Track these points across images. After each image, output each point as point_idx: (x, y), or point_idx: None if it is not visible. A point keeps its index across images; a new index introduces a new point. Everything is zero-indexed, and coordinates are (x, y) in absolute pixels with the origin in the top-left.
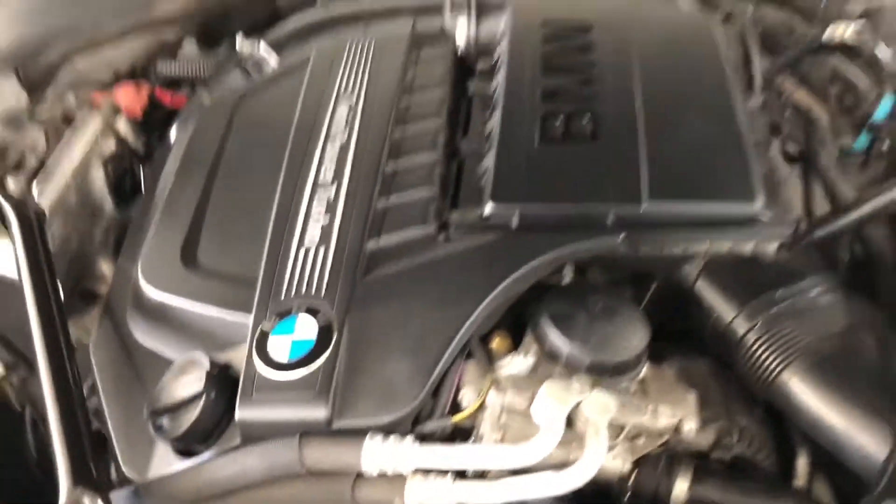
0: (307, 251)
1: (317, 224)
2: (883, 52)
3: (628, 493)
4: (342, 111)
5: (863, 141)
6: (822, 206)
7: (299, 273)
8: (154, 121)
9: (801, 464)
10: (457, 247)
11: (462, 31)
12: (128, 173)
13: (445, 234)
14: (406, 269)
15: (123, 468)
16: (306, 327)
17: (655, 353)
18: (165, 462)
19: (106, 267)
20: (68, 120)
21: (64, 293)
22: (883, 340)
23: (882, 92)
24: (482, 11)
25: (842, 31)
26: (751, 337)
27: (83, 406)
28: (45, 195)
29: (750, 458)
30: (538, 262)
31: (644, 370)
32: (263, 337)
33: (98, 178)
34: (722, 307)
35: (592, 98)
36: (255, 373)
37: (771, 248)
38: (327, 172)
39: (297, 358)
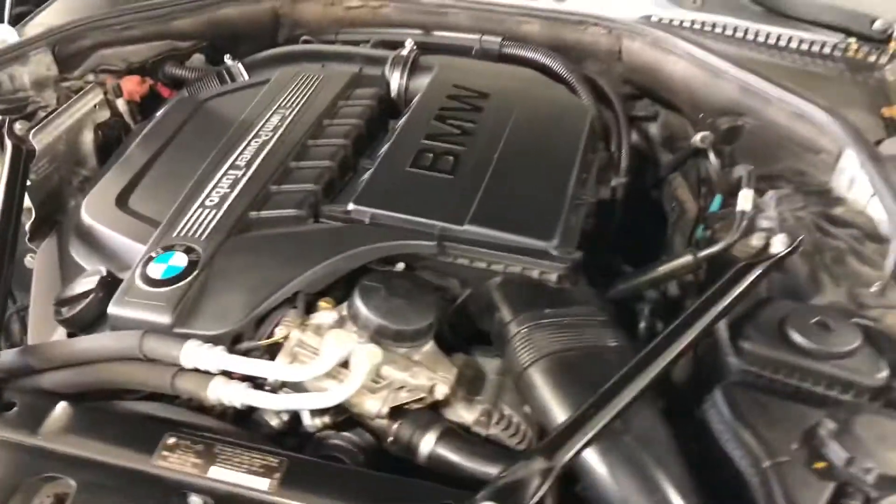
0: (203, 210)
1: (219, 193)
2: (712, 160)
3: (391, 438)
4: (275, 119)
5: (700, 232)
6: None
7: (191, 223)
8: (151, 108)
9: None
10: (317, 227)
11: (395, 81)
12: (116, 141)
13: (315, 220)
14: (271, 235)
15: (29, 342)
16: (179, 260)
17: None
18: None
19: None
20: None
21: (37, 219)
22: (615, 364)
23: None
24: (414, 69)
25: (697, 139)
26: (515, 337)
27: (6, 291)
28: (39, 139)
29: (504, 439)
30: (364, 248)
31: (428, 347)
32: (148, 261)
33: (87, 138)
34: (504, 312)
35: (463, 145)
36: (133, 283)
37: (552, 276)
38: (243, 159)
39: (165, 279)
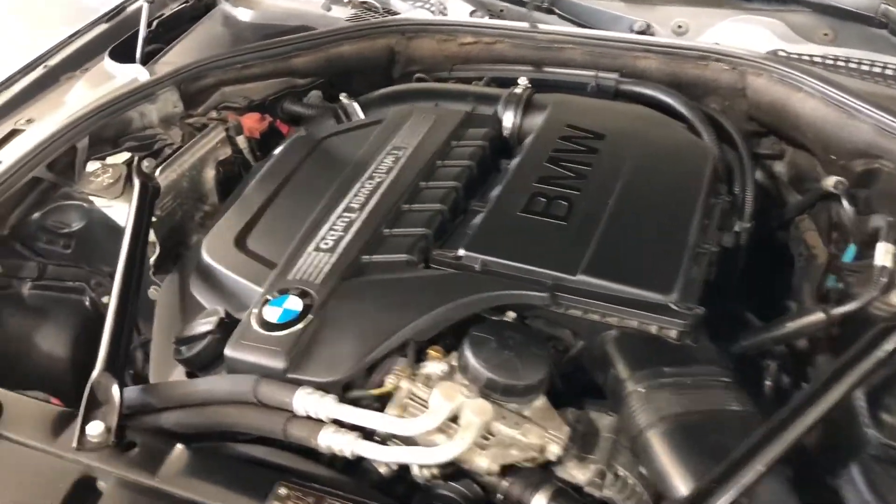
0: (318, 253)
1: (333, 236)
2: (846, 207)
3: (500, 496)
4: (389, 160)
5: (831, 281)
6: None
7: (306, 267)
8: (270, 144)
9: None
10: (427, 274)
11: (508, 120)
12: (237, 177)
13: (426, 265)
14: (382, 280)
15: (150, 377)
16: (294, 304)
17: (578, 403)
18: (176, 377)
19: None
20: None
21: (161, 253)
22: (738, 430)
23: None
24: (528, 108)
25: (829, 183)
26: (632, 396)
27: (131, 326)
28: (164, 177)
29: (619, 502)
30: (475, 297)
31: (539, 402)
32: (264, 303)
33: (209, 175)
34: (620, 369)
35: (577, 189)
36: (248, 326)
37: (672, 332)
38: (357, 201)
39: (280, 323)
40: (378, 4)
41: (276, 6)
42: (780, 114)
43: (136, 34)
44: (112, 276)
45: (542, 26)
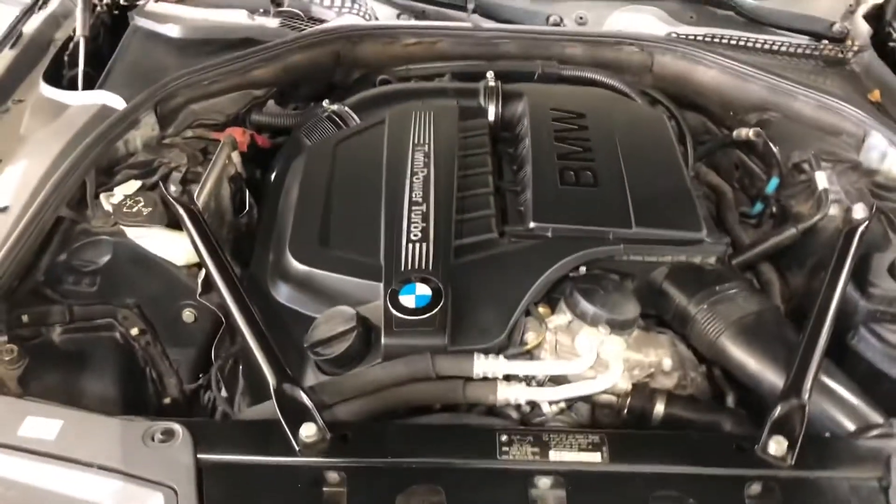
0: (413, 244)
1: (417, 228)
2: (776, 150)
3: (625, 410)
4: (419, 156)
5: (757, 208)
6: None
7: (410, 257)
8: (247, 157)
9: (730, 399)
10: (514, 246)
11: (492, 111)
12: (238, 192)
13: (505, 239)
14: (483, 257)
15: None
16: (422, 289)
17: None
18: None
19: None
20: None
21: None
22: (779, 319)
23: (771, 175)
24: (506, 98)
25: (745, 133)
26: (699, 314)
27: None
28: (198, 199)
29: (697, 396)
30: (572, 258)
31: (636, 332)
32: (395, 294)
33: (226, 192)
34: (680, 296)
35: (591, 160)
36: (393, 316)
37: (712, 260)
38: (417, 195)
39: (421, 307)
40: (300, 12)
41: (202, 19)
42: (683, 83)
43: (56, 59)
44: (139, 307)
45: (483, 24)
